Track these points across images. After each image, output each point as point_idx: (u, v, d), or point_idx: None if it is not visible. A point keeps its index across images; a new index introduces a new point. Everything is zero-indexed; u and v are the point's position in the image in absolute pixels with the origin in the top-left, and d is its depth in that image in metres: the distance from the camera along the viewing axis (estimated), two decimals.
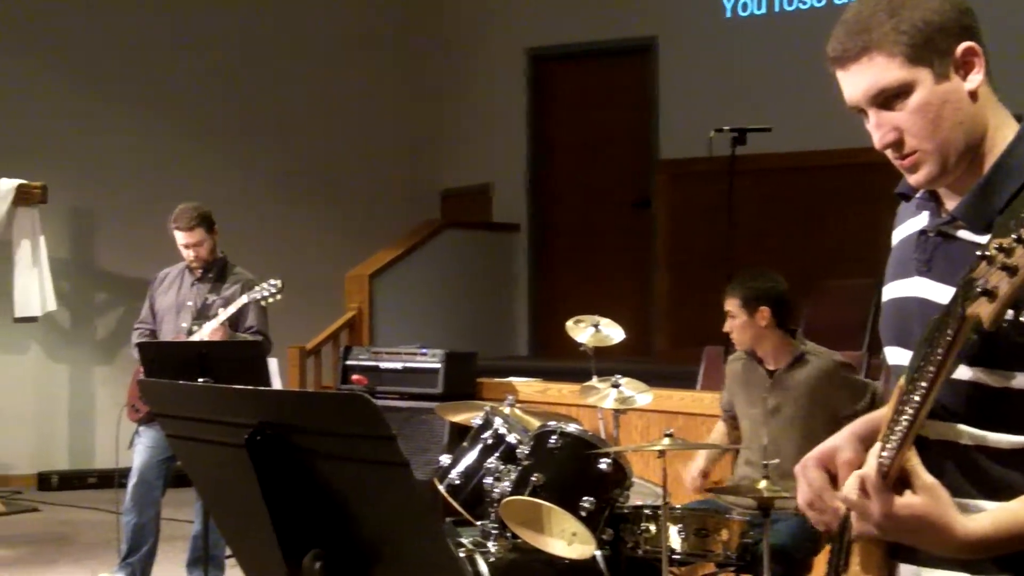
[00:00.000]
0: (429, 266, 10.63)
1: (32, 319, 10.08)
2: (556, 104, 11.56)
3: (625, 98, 11.17)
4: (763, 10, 10.38)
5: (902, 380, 2.07)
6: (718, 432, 5.75)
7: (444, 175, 12.38)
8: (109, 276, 11.26)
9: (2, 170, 9.80)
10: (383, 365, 8.56)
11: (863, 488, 1.98)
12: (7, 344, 10.79)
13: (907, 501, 1.96)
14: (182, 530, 7.19)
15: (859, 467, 2.06)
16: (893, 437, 1.96)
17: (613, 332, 6.10)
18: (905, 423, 1.94)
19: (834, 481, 2.21)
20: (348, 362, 8.77)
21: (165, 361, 6.16)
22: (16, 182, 9.72)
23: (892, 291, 2.29)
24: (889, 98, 2.10)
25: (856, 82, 2.13)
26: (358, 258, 10.44)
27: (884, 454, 1.97)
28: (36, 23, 11.12)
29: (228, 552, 6.42)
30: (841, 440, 2.26)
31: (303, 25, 12.06)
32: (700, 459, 5.58)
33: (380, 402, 2.22)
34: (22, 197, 9.76)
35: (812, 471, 2.24)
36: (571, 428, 4.88)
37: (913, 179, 2.16)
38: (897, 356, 2.24)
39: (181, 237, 6.69)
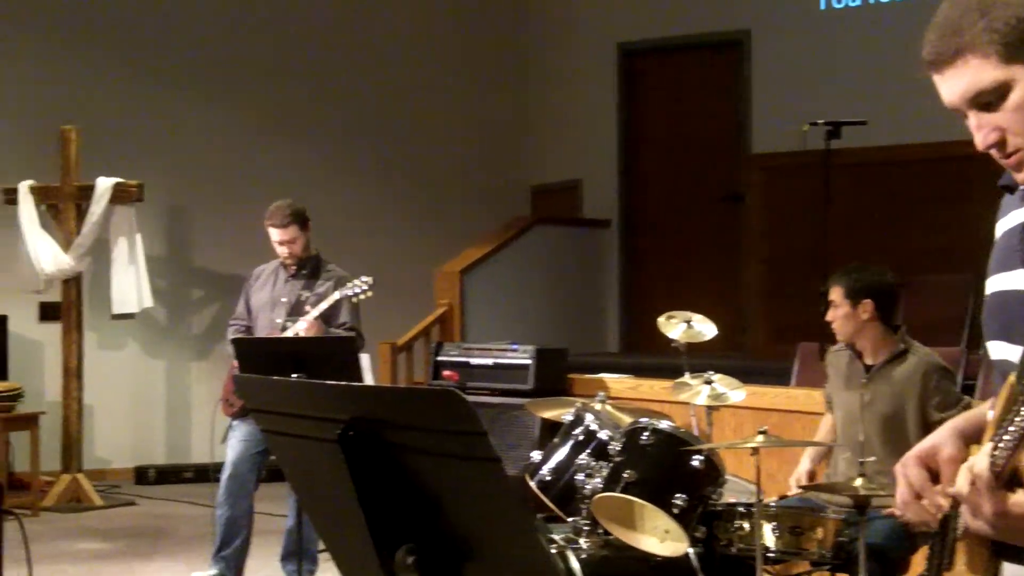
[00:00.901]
0: (520, 262, 10.62)
1: (129, 316, 10.26)
2: (647, 99, 11.49)
3: (717, 92, 11.09)
4: (858, 1, 10.25)
5: (1012, 377, 2.01)
6: (825, 426, 5.67)
7: (535, 171, 12.38)
8: (204, 273, 11.39)
9: (99, 169, 9.97)
10: (474, 361, 8.57)
11: (974, 485, 1.94)
12: (105, 340, 10.95)
13: (1020, 499, 1.91)
14: (276, 524, 7.24)
15: (963, 463, 2.01)
16: (1007, 436, 1.90)
17: (705, 328, 6.05)
18: (1022, 423, 1.88)
19: (935, 479, 2.17)
20: (439, 358, 8.78)
21: (259, 357, 6.20)
22: (113, 181, 9.88)
23: (995, 284, 2.24)
24: (987, 99, 2.06)
25: (953, 86, 2.08)
26: (449, 254, 10.47)
27: (996, 452, 1.92)
28: (133, 26, 11.28)
29: (321, 546, 6.46)
30: (942, 437, 2.22)
31: (395, 23, 12.11)
32: (805, 460, 5.53)
33: (471, 398, 2.23)
34: (119, 196, 9.93)
35: (912, 469, 2.20)
36: (663, 425, 4.85)
37: (1020, 177, 2.11)
38: (1001, 350, 2.19)
39: (275, 234, 6.73)
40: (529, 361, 8.32)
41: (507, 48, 12.39)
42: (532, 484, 5.08)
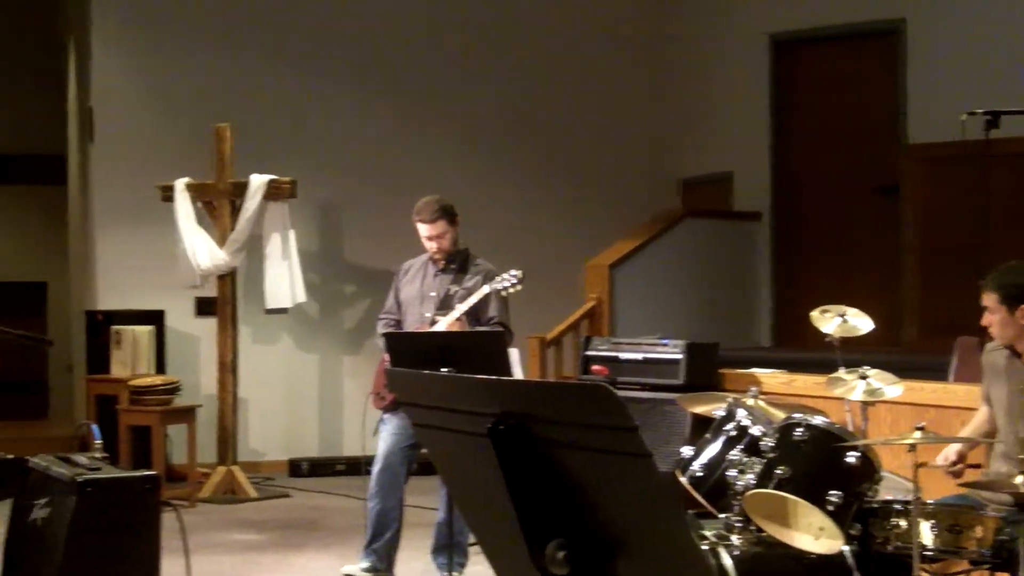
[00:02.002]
0: (669, 255, 10.54)
1: (283, 310, 10.41)
2: (799, 89, 11.32)
3: (871, 82, 10.87)
4: None
5: None
6: (980, 418, 5.52)
7: (685, 163, 12.27)
8: (356, 268, 11.51)
9: (253, 166, 10.13)
10: (623, 355, 8.52)
11: None
12: (259, 335, 11.13)
13: None
14: (427, 517, 7.28)
15: None
16: None
17: (860, 322, 5.94)
18: None
19: None
20: (588, 352, 8.75)
21: (409, 351, 6.24)
22: (267, 178, 10.03)
23: None
24: None
25: None
26: (598, 248, 10.43)
27: None
28: (286, 24, 11.45)
29: (472, 539, 6.48)
30: None
31: (545, 16, 12.11)
32: (957, 445, 5.39)
33: (621, 393, 2.20)
34: (272, 192, 10.07)
35: None
36: (817, 420, 4.77)
37: None
38: None
39: (424, 229, 6.76)
40: (680, 356, 8.24)
41: (657, 40, 12.30)
42: (683, 480, 5.04)
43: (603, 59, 12.20)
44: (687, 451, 5.15)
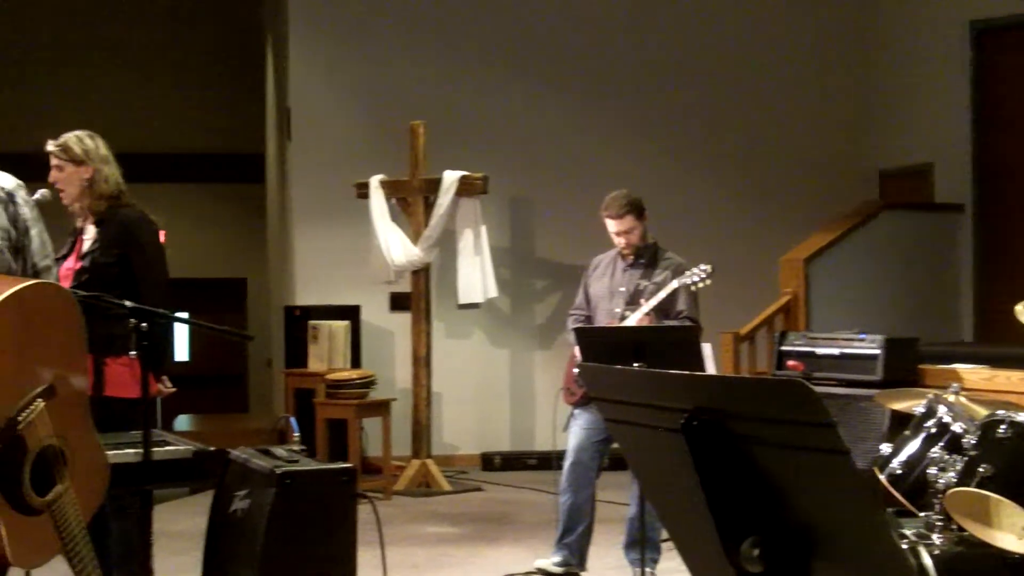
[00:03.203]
0: (867, 249, 10.32)
1: (475, 306, 10.49)
2: (1001, 77, 10.99)
3: None
4: None
5: None
6: None
7: (882, 154, 12.00)
8: (547, 263, 11.54)
9: (446, 162, 10.23)
10: (819, 351, 8.37)
11: None
12: (452, 330, 11.25)
13: None
14: (619, 512, 7.26)
15: None
16: None
17: None
18: None
19: None
20: (783, 348, 8.62)
21: (600, 346, 6.22)
22: (459, 174, 10.12)
23: None
24: None
25: None
26: (792, 241, 10.28)
27: None
28: (474, 16, 11.54)
29: (664, 535, 6.44)
30: None
31: (741, 11, 11.97)
32: None
33: (817, 388, 2.16)
34: (465, 188, 10.16)
35: None
36: (1021, 417, 4.62)
37: None
38: None
39: (612, 224, 6.74)
40: (878, 351, 8.06)
41: (853, 29, 12.07)
42: (882, 477, 4.94)
43: (799, 51, 12.01)
44: (885, 448, 5.05)
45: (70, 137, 5.61)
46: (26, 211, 3.01)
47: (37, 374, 2.76)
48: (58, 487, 2.83)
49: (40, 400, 2.75)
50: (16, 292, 2.73)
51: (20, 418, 2.71)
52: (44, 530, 2.82)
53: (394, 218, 10.35)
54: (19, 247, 2.98)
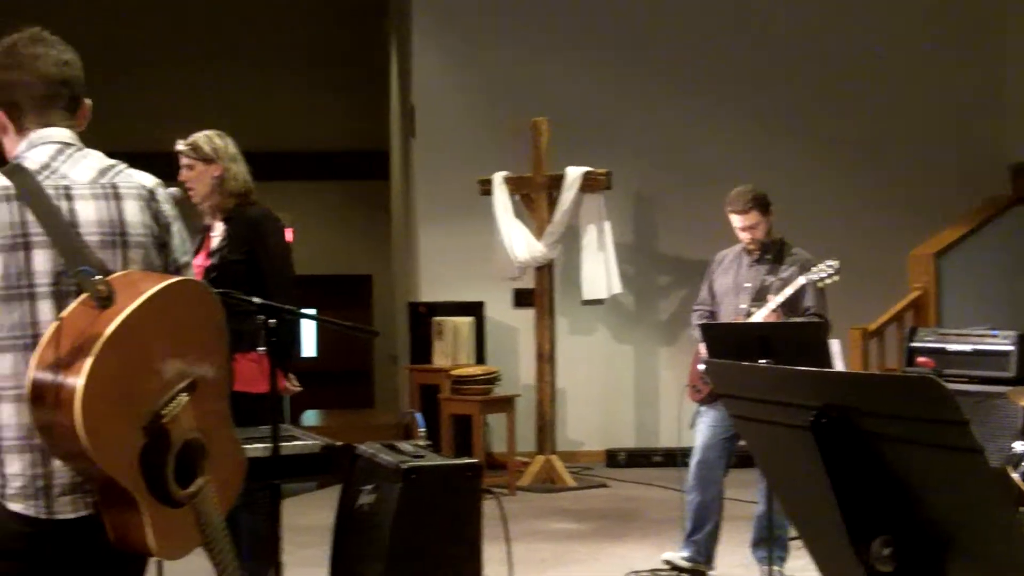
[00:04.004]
0: (999, 243, 10.14)
1: (599, 302, 10.48)
2: None
3: None
4: None
5: None
6: None
7: (1014, 147, 11.75)
8: (671, 259, 11.49)
9: (569, 158, 10.24)
10: (951, 347, 8.22)
11: None
12: (576, 326, 11.25)
13: None
14: (746, 510, 7.21)
15: None
16: None
17: None
18: None
19: None
20: (913, 344, 8.49)
21: (726, 342, 6.19)
22: (583, 170, 10.13)
23: None
24: None
25: None
26: (922, 236, 10.13)
27: None
28: (598, 12, 11.52)
29: (792, 533, 6.39)
30: None
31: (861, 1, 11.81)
32: None
33: (948, 385, 2.13)
34: (588, 184, 10.16)
35: None
36: None
37: None
38: None
39: (736, 220, 6.70)
40: (1011, 347, 7.89)
41: (982, 20, 11.83)
42: (1015, 476, 4.84)
43: (931, 43, 11.78)
44: (1019, 446, 4.95)
45: (200, 136, 5.72)
46: (166, 207, 3.07)
47: (181, 369, 2.83)
48: (199, 480, 2.89)
49: (184, 394, 2.81)
50: (162, 288, 2.80)
51: (165, 412, 2.77)
52: (186, 522, 2.88)
53: (518, 214, 10.38)
54: (162, 243, 3.04)
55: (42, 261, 2.85)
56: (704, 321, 6.73)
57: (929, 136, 11.73)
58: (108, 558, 2.90)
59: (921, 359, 8.22)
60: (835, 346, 6.10)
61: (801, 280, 6.46)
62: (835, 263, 6.42)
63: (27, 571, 2.88)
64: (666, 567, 6.77)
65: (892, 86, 11.73)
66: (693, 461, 6.72)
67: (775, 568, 6.33)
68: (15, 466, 2.85)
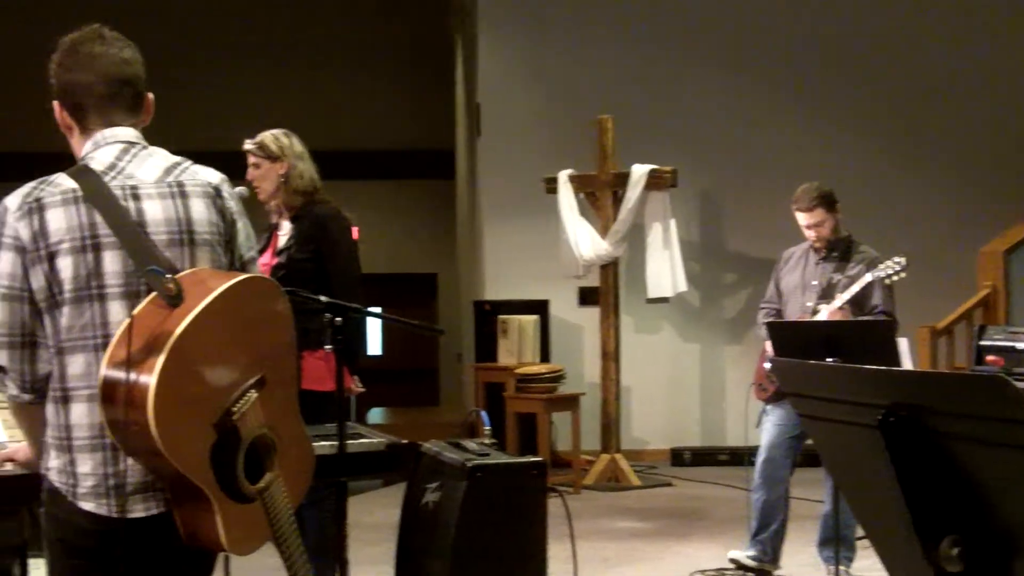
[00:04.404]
0: None
1: (664, 300, 10.46)
2: None
3: None
4: None
5: None
6: None
7: None
8: (736, 257, 11.45)
9: (634, 156, 10.22)
10: (1020, 345, 8.12)
11: None
12: (641, 324, 11.23)
13: None
14: (812, 509, 7.17)
15: None
16: None
17: None
18: None
19: None
20: (982, 342, 8.38)
21: (793, 340, 6.16)
22: (648, 167, 10.10)
23: None
24: None
25: None
26: (992, 233, 10.02)
27: None
28: (661, 8, 11.49)
29: (859, 533, 6.35)
30: None
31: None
32: None
33: (1019, 384, 2.11)
34: (654, 182, 10.13)
35: None
36: None
37: None
38: None
39: (802, 218, 6.67)
40: None
41: None
42: None
43: (1002, 39, 11.65)
44: None
45: (267, 135, 5.77)
46: (232, 204, 3.08)
47: (250, 366, 2.85)
48: (269, 475, 2.91)
49: (253, 391, 2.83)
50: (231, 286, 2.82)
51: (235, 409, 2.79)
52: (255, 518, 2.91)
53: (583, 212, 10.37)
54: (228, 240, 3.06)
55: (112, 262, 2.88)
56: (770, 319, 6.70)
57: (1000, 132, 11.60)
58: (179, 555, 2.92)
59: (990, 358, 8.13)
60: (903, 344, 6.05)
61: (868, 277, 6.42)
62: (903, 260, 6.37)
63: (99, 569, 2.90)
64: (732, 566, 6.75)
65: (963, 82, 11.61)
66: (759, 460, 6.70)
67: (841, 568, 6.28)
68: (87, 465, 2.88)
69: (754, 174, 11.25)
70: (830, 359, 5.59)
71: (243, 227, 3.10)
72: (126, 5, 11.13)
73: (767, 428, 6.69)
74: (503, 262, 11.47)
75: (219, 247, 3.02)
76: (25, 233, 2.87)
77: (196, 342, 2.72)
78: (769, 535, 6.64)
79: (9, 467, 3.43)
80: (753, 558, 6.66)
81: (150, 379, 2.65)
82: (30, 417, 3.04)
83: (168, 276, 2.75)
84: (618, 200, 10.22)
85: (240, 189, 3.21)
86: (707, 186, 11.40)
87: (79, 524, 2.89)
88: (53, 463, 2.93)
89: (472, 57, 12.21)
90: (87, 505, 2.87)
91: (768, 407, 6.73)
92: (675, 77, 11.43)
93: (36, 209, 2.88)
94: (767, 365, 6.62)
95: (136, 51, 3.06)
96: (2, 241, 2.89)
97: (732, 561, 6.74)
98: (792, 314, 6.70)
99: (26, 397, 2.95)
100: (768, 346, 6.46)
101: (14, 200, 2.92)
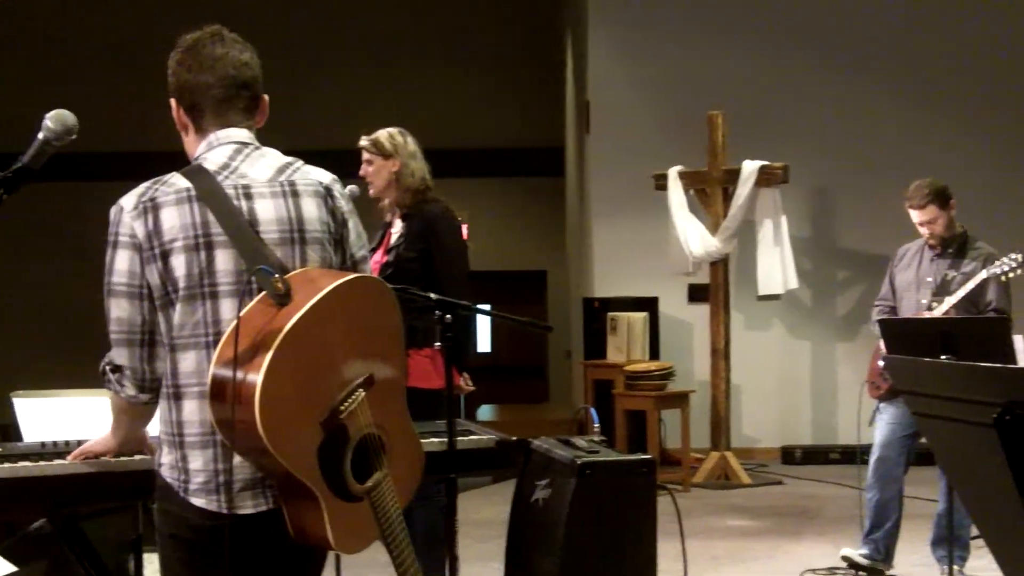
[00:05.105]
0: None
1: (775, 297, 10.38)
2: None
3: None
4: None
5: None
6: None
7: None
8: (849, 254, 11.32)
9: (745, 153, 10.15)
10: None
11: None
12: (751, 321, 11.15)
13: None
14: (926, 508, 7.08)
15: None
16: None
17: None
18: None
19: None
20: None
21: (907, 338, 6.08)
22: (758, 164, 10.03)
23: None
24: None
25: None
26: None
27: None
28: (775, 5, 11.40)
29: (974, 532, 6.25)
30: None
31: None
32: None
33: None
34: (764, 178, 10.06)
35: None
36: None
37: None
38: None
39: (915, 215, 6.59)
40: None
41: None
42: None
43: None
44: None
45: (381, 133, 5.84)
46: (342, 203, 3.10)
47: (358, 365, 2.86)
48: (377, 474, 2.92)
49: (361, 390, 2.84)
50: (340, 285, 2.83)
51: (343, 407, 2.81)
52: (364, 517, 2.92)
53: (692, 209, 10.32)
54: (338, 239, 3.08)
55: (224, 260, 2.91)
56: (884, 316, 6.63)
57: None
58: (288, 552, 2.95)
59: None
60: (1019, 342, 5.95)
61: (983, 274, 6.33)
62: (1019, 256, 6.26)
63: (209, 564, 2.93)
64: (844, 564, 6.68)
65: None
66: (872, 458, 6.63)
67: (955, 568, 6.20)
68: (197, 462, 2.92)
69: (867, 170, 11.11)
70: (944, 356, 5.51)
71: (354, 226, 3.12)
72: (237, 4, 11.28)
73: (880, 426, 6.63)
74: (612, 259, 11.45)
75: (329, 246, 3.04)
76: (140, 231, 2.91)
77: (303, 340, 2.74)
78: (882, 534, 6.57)
79: (112, 461, 3.47)
80: (866, 556, 6.59)
81: (257, 377, 2.67)
82: (140, 417, 3.10)
83: (277, 275, 2.77)
84: (728, 196, 10.16)
85: (351, 188, 3.23)
86: (819, 182, 11.28)
87: (190, 519, 2.93)
88: (165, 459, 2.97)
89: (582, 54, 12.20)
90: (198, 501, 2.91)
91: (881, 405, 6.66)
92: (786, 73, 11.33)
93: (151, 208, 2.92)
94: (881, 363, 6.55)
95: (254, 53, 3.07)
96: (119, 240, 2.94)
97: (845, 559, 6.68)
98: (906, 311, 6.62)
99: (144, 397, 3.00)
100: (882, 343, 6.39)
101: (129, 200, 2.96)
